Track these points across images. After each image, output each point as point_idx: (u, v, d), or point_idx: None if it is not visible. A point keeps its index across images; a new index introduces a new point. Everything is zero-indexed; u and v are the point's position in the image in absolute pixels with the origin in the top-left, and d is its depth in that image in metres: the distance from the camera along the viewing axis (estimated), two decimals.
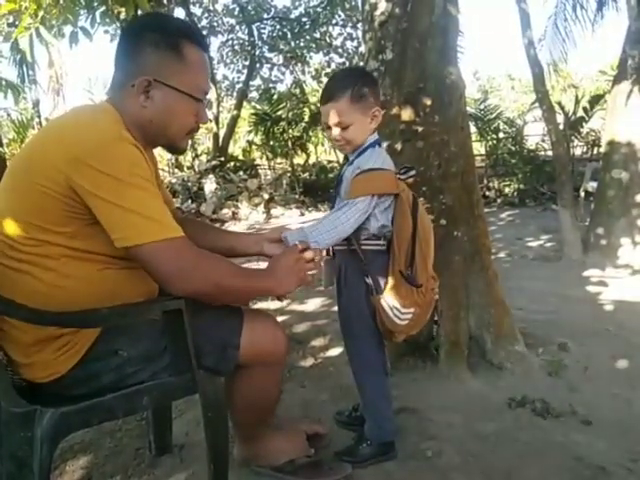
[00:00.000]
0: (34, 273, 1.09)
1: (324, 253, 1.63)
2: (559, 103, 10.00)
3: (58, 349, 1.12)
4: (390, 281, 1.54)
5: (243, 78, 13.85)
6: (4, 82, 9.25)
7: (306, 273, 1.32)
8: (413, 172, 1.60)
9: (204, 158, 11.96)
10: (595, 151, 10.93)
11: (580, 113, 10.35)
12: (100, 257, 1.13)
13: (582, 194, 7.07)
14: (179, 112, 1.22)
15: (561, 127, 7.52)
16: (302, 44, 13.64)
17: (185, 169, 11.92)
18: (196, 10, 12.75)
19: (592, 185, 6.31)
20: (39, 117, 11.14)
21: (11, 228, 1.09)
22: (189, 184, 10.21)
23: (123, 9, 6.08)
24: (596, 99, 10.23)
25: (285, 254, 1.33)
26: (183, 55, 1.19)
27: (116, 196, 1.03)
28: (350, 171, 1.56)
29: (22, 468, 1.08)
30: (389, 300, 1.53)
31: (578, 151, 11.88)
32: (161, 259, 1.06)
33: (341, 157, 14.05)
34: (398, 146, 2.23)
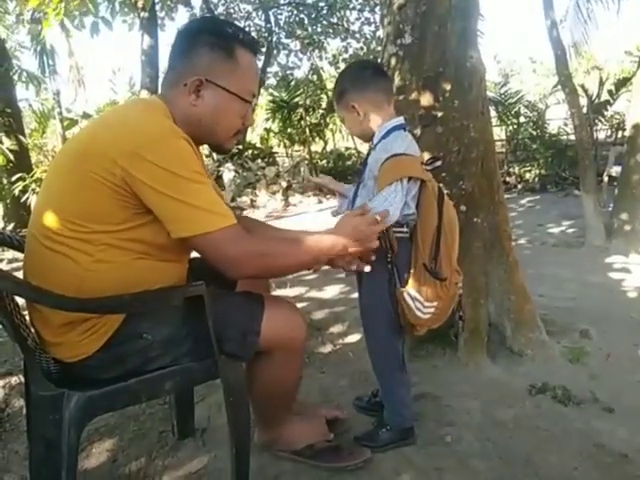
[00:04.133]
0: (71, 255, 1.12)
1: None
2: (582, 86, 9.77)
3: (85, 331, 1.16)
4: (413, 274, 1.53)
5: (260, 65, 13.79)
6: (25, 74, 9.39)
7: (370, 243, 1.32)
8: (439, 163, 1.61)
9: None
10: (619, 134, 10.67)
11: (604, 96, 10.10)
12: (138, 246, 1.17)
13: (605, 179, 6.91)
14: (228, 113, 1.26)
15: (584, 110, 7.36)
16: (319, 29, 13.49)
17: (204, 157, 11.97)
18: None
19: (616, 169, 6.17)
20: (60, 107, 11.26)
21: (58, 214, 1.12)
22: (208, 172, 10.26)
23: None
24: (622, 82, 9.96)
25: (361, 218, 1.33)
26: (236, 58, 1.23)
27: (173, 189, 1.08)
28: (374, 156, 1.56)
29: (51, 449, 1.12)
30: (412, 293, 1.52)
31: (602, 135, 11.62)
32: (215, 248, 1.13)
33: (359, 144, 13.97)
34: (417, 131, 2.20)
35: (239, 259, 1.15)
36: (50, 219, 1.13)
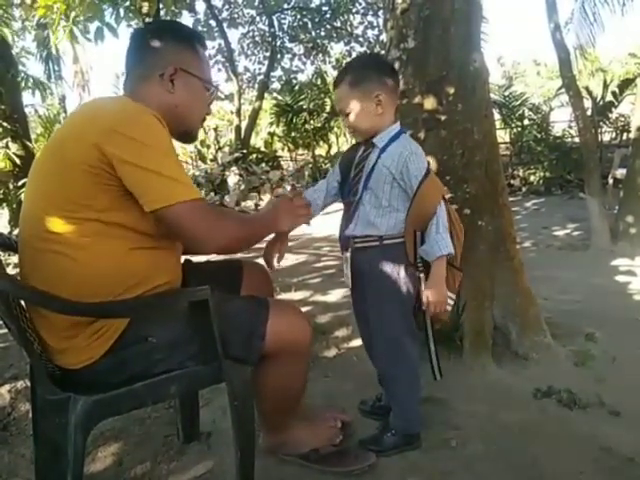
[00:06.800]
0: (68, 253, 1.13)
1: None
2: (586, 88, 9.75)
3: (91, 335, 1.16)
4: None
5: (264, 69, 13.83)
6: (32, 80, 9.47)
7: (299, 215, 1.51)
8: None
9: (227, 150, 12.02)
10: (624, 137, 10.64)
11: (609, 98, 10.08)
12: (130, 234, 1.17)
13: (611, 181, 6.89)
14: (199, 99, 1.37)
15: (589, 113, 7.34)
16: (323, 34, 13.52)
17: (208, 162, 12.01)
18: (217, 2, 12.76)
19: (621, 172, 6.14)
20: (65, 112, 11.33)
21: (45, 211, 1.13)
22: (212, 176, 10.30)
23: (145, 3, 6.15)
24: (626, 83, 9.93)
25: (278, 200, 1.51)
26: (197, 51, 1.35)
27: (144, 160, 1.09)
28: (389, 158, 1.50)
29: (57, 453, 1.12)
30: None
31: (607, 137, 11.58)
32: (189, 219, 1.13)
33: None
34: (421, 135, 2.21)
35: (212, 230, 1.17)
36: (40, 218, 1.13)
